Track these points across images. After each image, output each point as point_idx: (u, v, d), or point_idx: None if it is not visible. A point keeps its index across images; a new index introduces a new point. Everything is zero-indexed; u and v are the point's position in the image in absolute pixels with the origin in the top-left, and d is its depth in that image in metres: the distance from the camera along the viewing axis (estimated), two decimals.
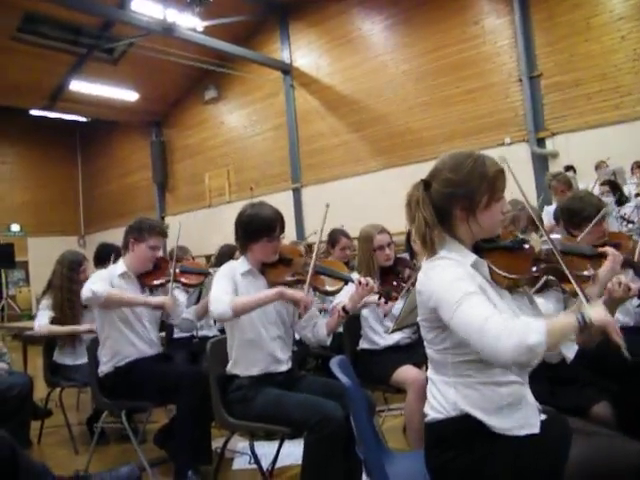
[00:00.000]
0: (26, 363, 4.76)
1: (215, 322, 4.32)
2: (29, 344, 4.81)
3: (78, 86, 12.94)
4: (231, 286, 2.49)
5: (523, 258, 1.68)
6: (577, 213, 2.66)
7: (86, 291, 2.89)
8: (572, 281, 1.55)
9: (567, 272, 1.57)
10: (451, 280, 1.49)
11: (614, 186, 5.88)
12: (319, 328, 2.63)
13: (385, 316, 3.07)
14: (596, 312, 1.41)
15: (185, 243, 4.58)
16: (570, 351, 1.70)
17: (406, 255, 3.93)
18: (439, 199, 1.59)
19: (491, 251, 1.66)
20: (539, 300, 1.86)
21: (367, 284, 2.55)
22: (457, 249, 1.59)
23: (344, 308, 2.58)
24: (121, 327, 3.05)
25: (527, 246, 1.73)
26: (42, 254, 14.70)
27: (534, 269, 1.68)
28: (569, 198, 2.82)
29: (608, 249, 1.74)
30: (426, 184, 1.62)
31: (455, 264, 1.53)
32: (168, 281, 3.17)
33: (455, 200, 1.57)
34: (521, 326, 1.37)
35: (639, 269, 2.35)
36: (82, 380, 3.66)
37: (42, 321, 3.81)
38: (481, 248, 1.65)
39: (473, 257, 1.58)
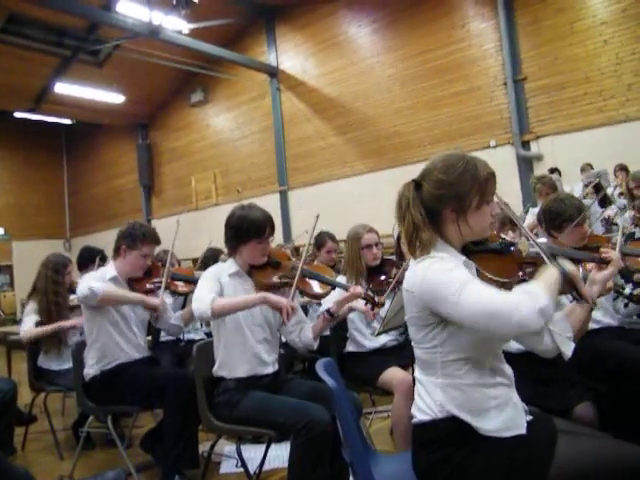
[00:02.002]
0: (10, 368, 4.71)
1: (202, 325, 4.31)
2: (13, 349, 4.77)
3: (63, 88, 12.83)
4: (216, 287, 2.49)
5: (511, 261, 1.70)
6: (559, 215, 2.69)
7: (83, 289, 2.86)
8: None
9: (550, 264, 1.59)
10: (445, 272, 1.48)
11: (598, 188, 5.93)
12: (305, 332, 2.63)
13: (373, 317, 3.05)
14: (569, 264, 1.61)
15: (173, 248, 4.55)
16: (568, 348, 1.71)
17: (394, 258, 3.94)
18: (430, 200, 1.59)
19: (479, 254, 1.67)
20: None
21: (355, 290, 2.58)
22: (446, 250, 1.58)
23: (329, 311, 2.59)
24: (110, 330, 3.02)
25: (514, 249, 1.74)
26: (27, 258, 14.54)
27: (521, 273, 1.70)
28: (551, 200, 2.84)
29: (613, 255, 1.76)
30: (417, 184, 1.62)
31: (446, 258, 1.53)
32: (158, 287, 3.16)
33: (446, 201, 1.57)
34: (525, 295, 1.41)
35: (626, 271, 2.39)
36: (67, 385, 3.62)
37: (27, 326, 3.77)
38: (470, 250, 1.66)
39: (462, 258, 1.59)
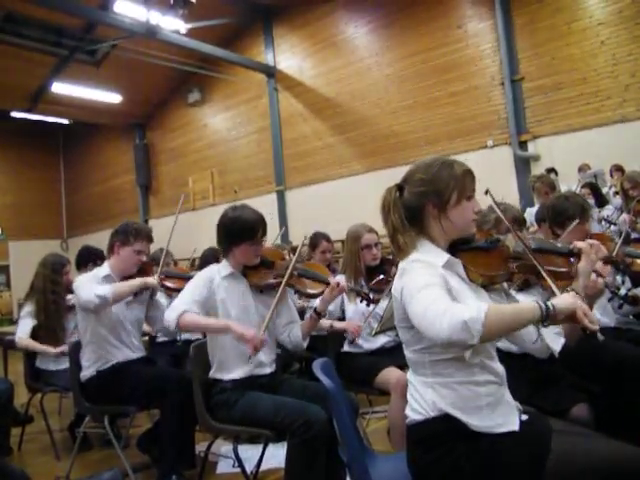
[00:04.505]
0: (7, 368, 4.71)
1: None
2: (10, 349, 4.75)
3: (60, 88, 12.81)
4: (202, 294, 2.48)
5: (497, 256, 1.74)
6: (562, 212, 2.70)
7: (91, 297, 2.84)
8: (544, 275, 1.62)
9: (539, 267, 1.64)
10: (414, 276, 1.53)
11: (594, 188, 5.95)
12: (295, 331, 2.64)
13: (352, 342, 3.10)
14: (561, 299, 1.48)
15: (169, 246, 4.55)
16: (557, 344, 1.72)
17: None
18: (412, 199, 1.67)
19: (466, 251, 1.71)
20: (520, 297, 1.88)
21: (338, 285, 2.56)
22: (430, 249, 1.64)
23: (315, 310, 2.59)
24: (103, 332, 3.02)
25: (501, 245, 1.78)
26: (24, 258, 14.55)
27: (508, 267, 1.73)
28: (555, 197, 2.86)
29: (581, 243, 1.77)
30: (400, 188, 1.69)
31: (425, 265, 1.56)
32: None
33: (426, 198, 1.65)
34: (462, 306, 1.41)
35: (618, 265, 2.39)
36: (64, 385, 3.62)
37: (22, 333, 3.78)
38: (457, 249, 1.71)
39: (446, 257, 1.62)
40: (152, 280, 3.06)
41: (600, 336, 1.45)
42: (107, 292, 2.86)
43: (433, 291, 1.46)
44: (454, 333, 1.33)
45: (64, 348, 3.62)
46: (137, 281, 3.04)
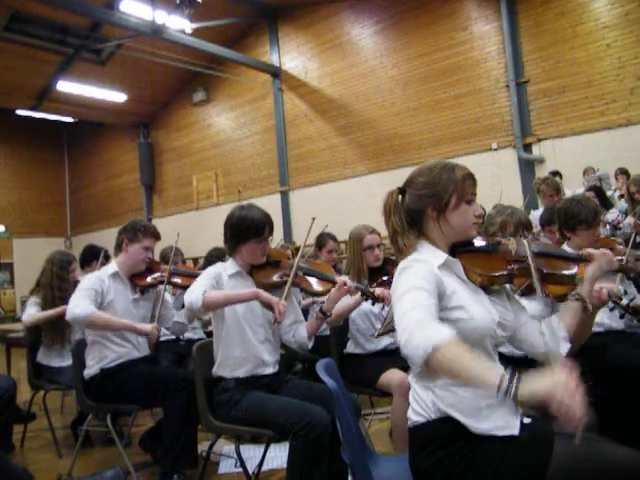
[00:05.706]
0: (10, 365, 4.72)
1: (203, 325, 4.30)
2: (13, 346, 4.77)
3: (65, 86, 12.84)
4: (212, 284, 2.48)
5: (497, 258, 1.76)
6: (574, 216, 2.69)
7: (69, 313, 2.83)
8: (535, 280, 1.60)
9: (533, 271, 1.62)
10: (404, 277, 1.55)
11: (599, 192, 5.94)
12: (300, 331, 2.64)
13: (382, 308, 3.00)
14: (536, 383, 1.22)
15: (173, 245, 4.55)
16: (562, 349, 1.71)
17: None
18: (413, 201, 1.69)
19: (467, 253, 1.73)
20: (523, 302, 1.88)
21: (345, 284, 2.57)
22: (427, 250, 1.66)
23: (322, 309, 2.59)
24: (108, 333, 3.02)
25: (501, 247, 1.80)
26: (27, 255, 14.64)
27: (508, 268, 1.73)
28: (567, 200, 2.85)
29: (593, 251, 1.77)
30: (402, 191, 1.72)
31: (420, 264, 1.57)
32: (160, 282, 3.17)
33: (426, 200, 1.67)
34: (432, 327, 1.39)
35: (629, 273, 2.38)
36: (67, 382, 3.62)
37: (30, 312, 3.77)
38: (458, 251, 1.72)
39: (444, 257, 1.64)
40: (144, 328, 2.93)
41: (577, 440, 1.20)
42: (84, 314, 2.80)
43: (417, 296, 1.47)
44: (406, 347, 1.38)
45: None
46: (121, 323, 2.92)
